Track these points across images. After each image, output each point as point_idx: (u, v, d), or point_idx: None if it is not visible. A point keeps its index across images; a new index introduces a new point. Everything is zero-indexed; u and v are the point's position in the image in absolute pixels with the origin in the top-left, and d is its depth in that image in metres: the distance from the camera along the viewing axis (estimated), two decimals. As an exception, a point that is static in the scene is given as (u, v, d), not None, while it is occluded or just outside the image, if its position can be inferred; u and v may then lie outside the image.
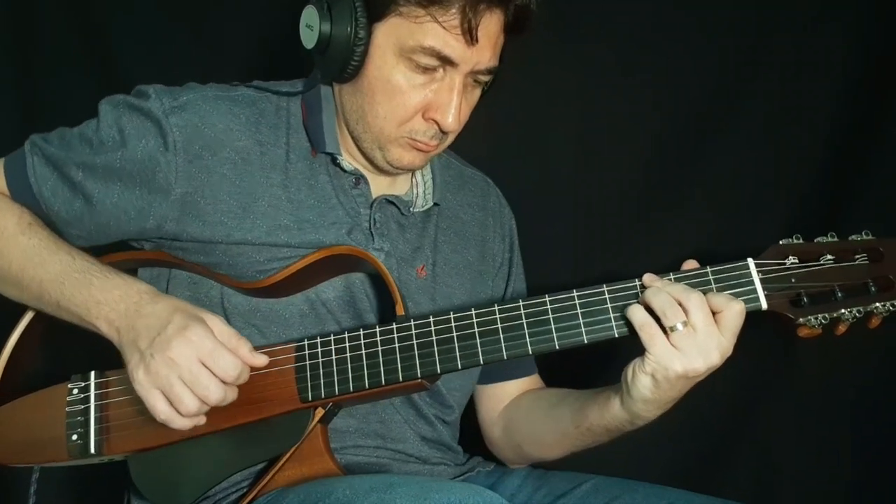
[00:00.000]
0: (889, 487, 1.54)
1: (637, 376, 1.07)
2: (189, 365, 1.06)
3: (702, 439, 1.72)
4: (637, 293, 1.09)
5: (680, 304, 1.04)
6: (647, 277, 1.09)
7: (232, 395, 1.10)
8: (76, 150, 1.21)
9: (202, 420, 1.10)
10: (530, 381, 1.42)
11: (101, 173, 1.20)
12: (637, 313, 1.06)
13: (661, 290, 1.05)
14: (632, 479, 1.24)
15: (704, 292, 1.06)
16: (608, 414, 1.16)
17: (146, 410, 1.16)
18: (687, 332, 1.03)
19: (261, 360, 1.12)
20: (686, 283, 1.08)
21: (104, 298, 1.12)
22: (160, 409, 1.07)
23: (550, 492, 1.26)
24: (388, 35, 1.14)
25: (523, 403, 1.38)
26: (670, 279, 1.09)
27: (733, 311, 1.04)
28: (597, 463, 1.34)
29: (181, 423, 1.08)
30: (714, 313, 1.04)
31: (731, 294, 1.07)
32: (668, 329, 1.03)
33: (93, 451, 1.18)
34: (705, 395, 1.69)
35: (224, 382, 1.08)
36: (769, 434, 1.65)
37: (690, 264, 1.11)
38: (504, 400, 1.40)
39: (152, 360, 1.07)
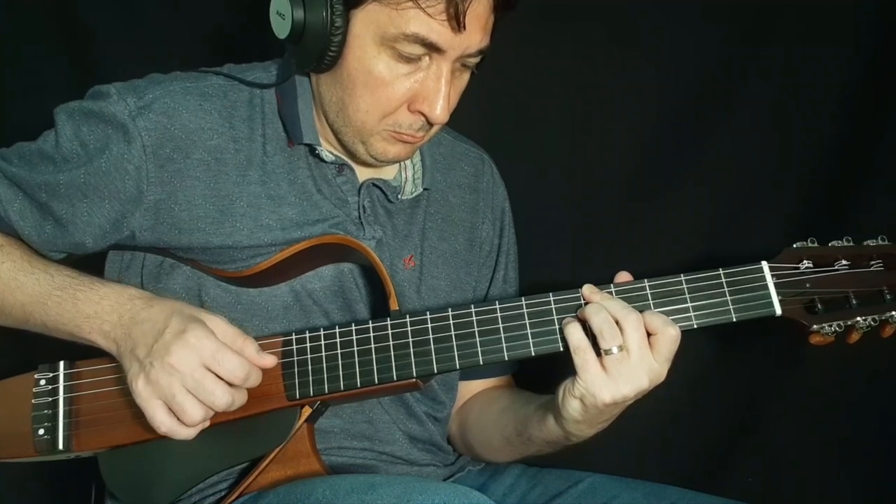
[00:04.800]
0: (892, 487, 1.54)
1: (566, 398, 1.04)
2: (191, 370, 1.00)
3: (703, 437, 1.70)
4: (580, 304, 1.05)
5: (617, 324, 1.01)
6: (587, 289, 1.05)
7: (241, 398, 1.04)
8: (38, 170, 1.13)
9: (207, 424, 1.04)
10: (494, 381, 1.38)
11: (65, 192, 1.12)
12: (574, 334, 1.02)
13: (601, 307, 1.01)
14: (631, 478, 1.22)
15: (642, 310, 1.03)
16: (545, 428, 1.14)
17: (120, 405, 1.12)
18: (621, 356, 1.00)
19: (269, 360, 1.06)
20: (700, 284, 1.05)
21: (93, 311, 1.06)
22: (160, 420, 1.01)
23: (545, 491, 1.23)
24: (368, 23, 1.06)
25: (477, 405, 1.34)
26: (611, 292, 1.06)
27: (668, 336, 1.01)
28: (594, 461, 1.31)
29: (184, 435, 1.03)
30: (649, 334, 1.01)
31: (744, 297, 1.04)
32: (602, 351, 1.00)
33: (61, 446, 1.13)
34: (707, 393, 1.71)
35: (231, 385, 1.02)
36: (772, 433, 1.64)
37: (623, 276, 1.07)
38: (465, 397, 1.36)
39: (152, 368, 1.01)
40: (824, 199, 1.56)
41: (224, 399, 1.01)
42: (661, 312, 1.04)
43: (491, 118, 1.61)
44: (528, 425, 1.18)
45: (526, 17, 1.44)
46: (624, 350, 1.00)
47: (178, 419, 1.01)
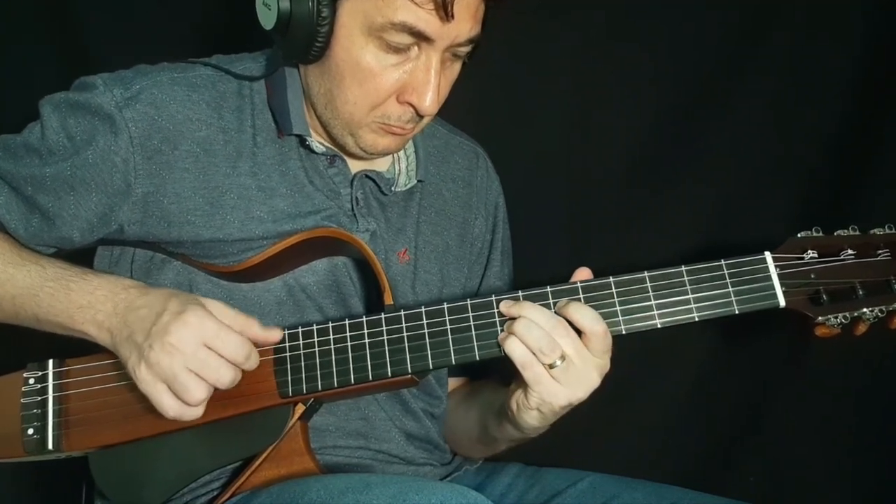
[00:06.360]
0: (894, 486, 1.52)
1: (522, 410, 1.05)
2: (194, 350, 0.98)
3: (704, 436, 1.68)
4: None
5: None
6: (503, 305, 1.04)
7: (239, 377, 1.03)
8: (23, 163, 1.12)
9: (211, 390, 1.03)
10: (465, 379, 1.36)
11: (51, 185, 1.10)
12: (516, 349, 1.01)
13: (531, 323, 1.00)
14: (631, 478, 1.19)
15: (601, 306, 1.02)
16: (504, 430, 1.16)
17: (110, 404, 1.10)
18: (566, 365, 1.00)
19: (276, 333, 1.06)
20: (701, 276, 1.02)
21: (86, 301, 1.04)
22: (168, 404, 1.00)
23: (544, 490, 1.20)
24: (355, 12, 1.04)
25: (448, 403, 1.33)
26: (579, 298, 1.03)
27: (597, 335, 1.00)
28: (594, 460, 1.29)
29: (192, 415, 1.01)
30: (579, 332, 1.01)
31: (747, 288, 1.02)
32: (546, 366, 1.00)
33: (50, 446, 1.11)
34: (708, 391, 1.69)
35: (233, 364, 1.01)
36: (774, 431, 1.62)
37: (582, 274, 1.05)
38: None
39: (151, 351, 0.99)
40: (828, 191, 1.54)
41: (228, 376, 1.00)
42: (662, 304, 1.03)
43: (487, 112, 1.59)
44: (488, 427, 1.19)
45: (523, 10, 1.42)
46: (566, 359, 1.00)
47: (181, 399, 1.00)
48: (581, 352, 1.00)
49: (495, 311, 1.05)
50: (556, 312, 1.03)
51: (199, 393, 0.99)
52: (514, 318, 1.02)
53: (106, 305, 1.04)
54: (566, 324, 1.01)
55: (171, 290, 1.05)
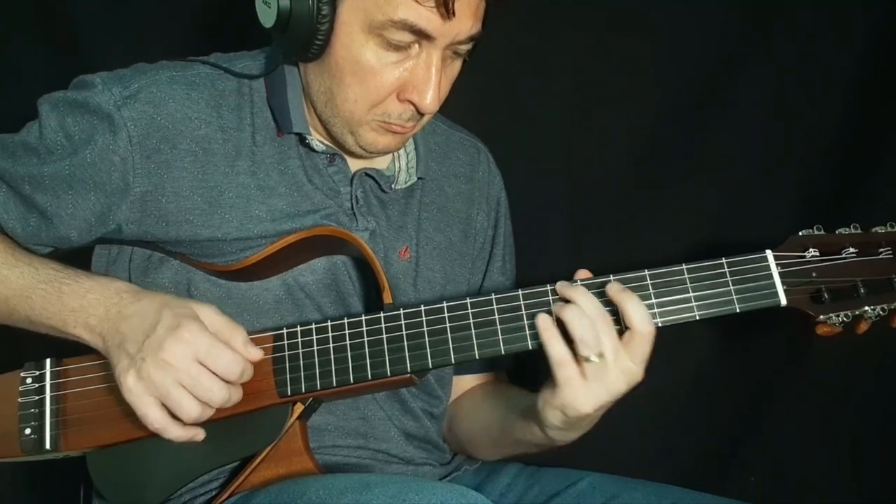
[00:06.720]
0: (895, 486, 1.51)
1: (547, 409, 1.02)
2: (187, 367, 0.97)
3: (704, 436, 1.67)
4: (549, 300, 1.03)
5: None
6: (559, 285, 1.02)
7: (237, 395, 1.02)
8: (21, 162, 1.11)
9: (200, 434, 1.01)
10: (485, 377, 1.35)
11: (50, 184, 1.10)
12: (557, 346, 0.99)
13: (583, 313, 0.98)
14: (631, 478, 1.18)
15: (622, 291, 0.99)
16: (529, 433, 1.12)
17: (108, 403, 1.10)
18: (600, 363, 0.97)
19: (255, 353, 1.04)
20: (702, 274, 1.02)
21: (79, 305, 1.04)
22: (153, 416, 0.98)
23: (543, 490, 1.19)
24: (355, 10, 1.04)
25: (467, 402, 1.32)
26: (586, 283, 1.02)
27: (643, 336, 0.98)
28: (594, 460, 1.28)
29: (176, 434, 1.00)
30: (626, 327, 0.99)
31: (748, 287, 1.01)
32: (581, 358, 0.98)
33: (48, 446, 1.11)
34: (708, 390, 1.68)
35: (226, 381, 1.00)
36: (775, 431, 1.61)
37: (583, 274, 1.04)
38: (455, 392, 1.34)
39: (144, 363, 0.98)
40: (829, 190, 1.53)
41: (220, 395, 0.99)
42: (663, 303, 1.02)
43: (488, 111, 1.59)
44: (513, 429, 1.17)
45: (524, 6, 1.41)
46: (602, 357, 0.97)
47: (173, 416, 0.99)
48: (619, 353, 0.98)
49: (495, 308, 1.05)
50: (606, 296, 1.01)
51: (192, 410, 0.98)
52: (549, 309, 1.00)
53: (98, 310, 1.03)
54: (611, 321, 0.99)
55: (165, 298, 1.04)
